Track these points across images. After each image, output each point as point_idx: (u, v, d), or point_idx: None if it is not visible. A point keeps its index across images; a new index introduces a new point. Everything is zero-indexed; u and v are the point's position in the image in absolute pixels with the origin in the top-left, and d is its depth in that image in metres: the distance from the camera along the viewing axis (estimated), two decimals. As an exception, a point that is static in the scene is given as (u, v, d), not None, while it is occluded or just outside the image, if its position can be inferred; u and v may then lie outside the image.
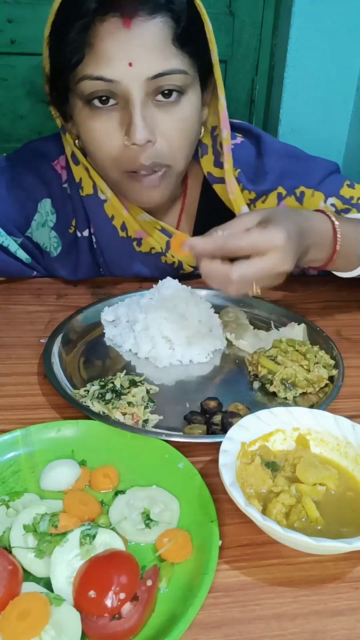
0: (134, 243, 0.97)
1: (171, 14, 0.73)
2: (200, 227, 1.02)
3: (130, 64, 0.72)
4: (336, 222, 0.76)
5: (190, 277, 1.03)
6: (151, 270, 1.01)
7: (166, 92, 0.76)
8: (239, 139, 0.97)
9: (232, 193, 0.92)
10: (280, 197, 0.94)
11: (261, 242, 0.65)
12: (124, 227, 0.95)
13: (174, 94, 0.77)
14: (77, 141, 0.88)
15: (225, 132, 0.87)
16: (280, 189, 0.93)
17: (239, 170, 0.93)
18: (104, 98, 0.76)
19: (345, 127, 2.00)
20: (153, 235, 0.96)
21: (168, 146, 0.79)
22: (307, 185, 0.94)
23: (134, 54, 0.72)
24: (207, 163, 0.93)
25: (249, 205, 0.95)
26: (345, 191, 0.95)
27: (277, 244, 0.64)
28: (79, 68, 0.75)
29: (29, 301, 0.96)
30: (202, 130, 0.89)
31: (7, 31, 1.85)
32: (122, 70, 0.73)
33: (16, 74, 1.93)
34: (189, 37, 0.75)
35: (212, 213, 1.00)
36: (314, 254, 0.75)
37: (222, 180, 0.93)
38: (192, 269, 1.02)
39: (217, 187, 0.94)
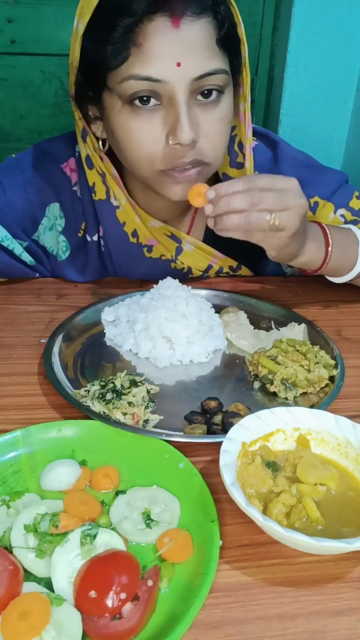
0: (144, 249, 0.97)
1: (215, 15, 0.73)
2: (212, 231, 1.01)
3: (178, 64, 0.72)
4: (327, 229, 0.83)
5: (191, 277, 1.04)
6: (159, 276, 1.00)
7: (206, 91, 0.76)
8: (254, 142, 0.97)
9: None
10: None
11: (281, 177, 0.73)
12: (135, 233, 0.95)
13: (214, 94, 0.76)
14: (100, 143, 0.86)
15: (250, 132, 0.87)
16: None
17: (255, 172, 0.93)
18: (145, 98, 0.75)
19: (345, 127, 2.01)
20: (163, 243, 0.96)
21: (209, 145, 0.79)
22: (320, 196, 0.95)
23: (182, 54, 0.71)
24: (223, 163, 0.92)
25: None
26: (355, 203, 0.97)
27: (295, 182, 0.73)
28: (123, 67, 0.73)
29: (30, 301, 0.96)
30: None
31: (7, 31, 1.86)
32: (170, 70, 0.72)
33: (16, 74, 1.93)
34: (229, 38, 0.76)
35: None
36: (309, 253, 0.80)
37: None
38: (201, 273, 1.02)
39: None
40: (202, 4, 0.71)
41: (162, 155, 0.78)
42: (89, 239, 0.98)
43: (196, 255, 0.98)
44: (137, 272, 1.01)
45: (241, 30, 0.79)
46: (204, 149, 0.79)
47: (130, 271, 1.01)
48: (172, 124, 0.75)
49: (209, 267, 1.01)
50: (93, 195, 0.92)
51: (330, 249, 0.82)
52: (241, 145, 0.90)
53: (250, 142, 0.89)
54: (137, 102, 0.75)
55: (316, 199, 0.95)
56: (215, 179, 0.98)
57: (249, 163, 0.90)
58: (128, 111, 0.76)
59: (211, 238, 1.00)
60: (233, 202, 0.71)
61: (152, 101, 0.75)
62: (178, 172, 0.79)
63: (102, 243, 0.98)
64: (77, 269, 1.01)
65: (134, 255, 0.98)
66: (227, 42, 0.76)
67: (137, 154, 0.79)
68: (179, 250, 0.97)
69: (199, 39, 0.72)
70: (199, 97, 0.76)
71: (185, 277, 1.02)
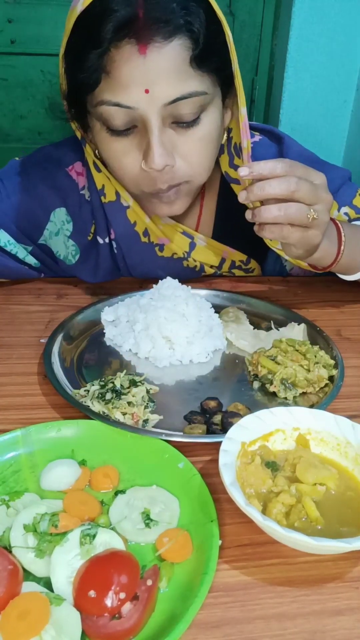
0: (156, 248, 0.97)
1: (190, 34, 0.70)
2: (220, 227, 1.02)
3: (146, 91, 0.71)
4: (340, 225, 0.81)
5: (191, 277, 1.04)
6: (173, 275, 1.00)
7: (183, 114, 0.75)
8: (258, 137, 0.96)
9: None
10: None
11: (312, 170, 0.71)
12: (146, 233, 0.95)
13: (192, 115, 0.75)
14: (96, 151, 0.87)
15: (245, 141, 0.86)
16: None
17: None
18: (120, 126, 0.75)
19: (345, 127, 2.00)
20: (175, 241, 0.96)
21: (188, 166, 0.79)
22: None
23: (149, 80, 0.70)
24: (224, 162, 0.92)
25: None
26: (358, 200, 0.97)
27: (324, 177, 0.72)
28: (96, 92, 0.74)
29: (29, 301, 0.96)
30: (225, 135, 0.88)
31: (7, 31, 1.86)
32: (139, 97, 0.71)
33: (16, 74, 1.93)
34: (208, 54, 0.73)
35: (231, 212, 1.00)
36: (323, 250, 0.78)
37: (238, 182, 0.92)
38: (213, 270, 1.02)
39: (235, 187, 0.93)
40: (172, 27, 0.69)
41: (142, 178, 0.79)
42: (100, 241, 0.97)
43: (208, 250, 0.98)
44: (151, 273, 1.01)
45: (229, 40, 0.76)
46: (181, 171, 0.79)
47: (144, 273, 1.01)
48: (145, 149, 0.75)
49: (222, 261, 1.01)
50: (103, 197, 0.92)
51: (342, 246, 0.81)
52: (237, 148, 0.89)
53: (248, 150, 0.87)
54: (114, 126, 0.75)
55: None
56: (221, 178, 0.98)
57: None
58: (106, 133, 0.77)
59: (219, 234, 1.00)
60: (269, 186, 0.66)
61: (128, 125, 0.75)
62: (160, 193, 0.80)
63: (114, 245, 0.98)
64: (88, 272, 1.00)
65: (146, 255, 0.98)
66: (207, 59, 0.73)
67: (121, 175, 0.81)
68: (192, 246, 0.97)
69: (169, 63, 0.70)
70: (178, 120, 0.75)
71: (198, 275, 1.02)
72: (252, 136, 0.96)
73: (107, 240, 0.97)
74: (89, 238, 0.97)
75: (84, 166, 0.93)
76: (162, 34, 0.69)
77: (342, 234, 0.81)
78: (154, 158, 0.73)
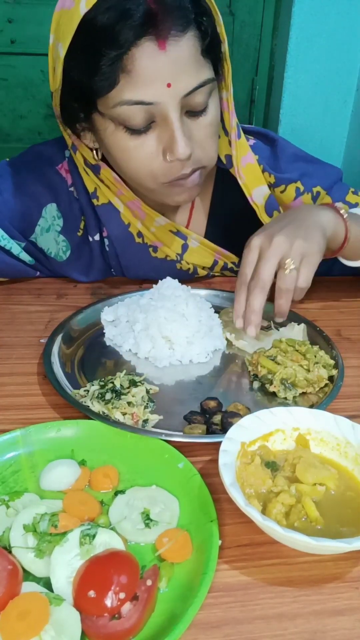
0: (150, 249, 0.98)
1: (198, 25, 0.72)
2: (214, 226, 1.02)
3: (169, 85, 0.72)
4: (344, 214, 0.83)
5: (191, 277, 1.04)
6: (165, 277, 1.01)
7: (198, 103, 0.76)
8: (252, 140, 0.97)
9: (241, 178, 0.92)
10: (298, 192, 0.95)
11: (255, 259, 0.78)
12: (140, 234, 0.96)
13: (204, 103, 0.77)
14: (94, 152, 0.86)
15: (234, 120, 0.88)
16: (299, 184, 0.95)
17: (257, 156, 0.94)
18: (140, 124, 0.75)
19: (345, 127, 2.01)
20: (167, 244, 0.96)
21: (203, 152, 0.80)
22: (322, 187, 0.96)
23: (171, 74, 0.71)
24: (222, 147, 0.92)
25: (270, 187, 0.95)
26: (351, 197, 0.98)
27: (253, 243, 0.78)
28: (113, 93, 0.73)
29: (29, 301, 0.96)
30: None
31: (7, 31, 1.86)
32: (161, 92, 0.72)
33: (16, 74, 1.93)
34: (214, 42, 0.75)
35: (226, 211, 1.00)
36: (327, 248, 0.80)
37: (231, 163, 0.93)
38: (206, 272, 1.02)
39: (234, 172, 0.94)
40: (186, 19, 0.70)
41: (162, 170, 0.79)
42: (90, 239, 0.98)
43: (201, 251, 0.99)
44: (145, 274, 1.01)
45: (220, 25, 0.78)
46: (199, 156, 0.80)
47: (138, 274, 1.02)
48: (167, 142, 0.76)
49: (215, 262, 1.01)
50: (95, 200, 0.92)
51: (348, 234, 0.83)
52: (226, 133, 0.90)
53: (234, 130, 0.89)
54: (131, 125, 0.75)
55: (318, 188, 0.96)
56: (216, 177, 0.99)
57: (235, 150, 0.90)
58: (122, 132, 0.77)
59: (213, 234, 1.01)
60: (254, 297, 0.76)
61: (147, 122, 0.75)
62: (182, 180, 0.80)
63: (106, 243, 0.98)
64: (80, 269, 1.01)
65: (140, 256, 0.98)
66: (213, 46, 0.76)
67: (137, 172, 0.81)
68: (184, 248, 0.97)
69: (186, 56, 0.72)
70: (190, 109, 0.76)
71: (191, 277, 1.02)
72: (247, 140, 0.97)
73: (97, 237, 0.98)
74: (79, 234, 0.98)
75: (69, 164, 0.94)
76: (178, 27, 0.70)
77: (347, 222, 0.82)
78: (179, 148, 0.74)
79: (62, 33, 0.74)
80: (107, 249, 0.99)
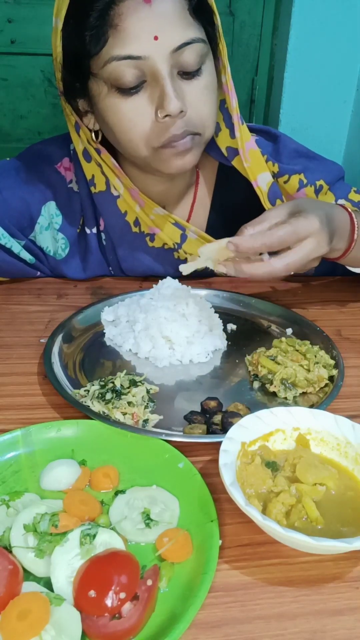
0: (147, 238, 0.98)
1: None
2: (214, 221, 1.02)
3: (156, 38, 0.73)
4: (353, 214, 0.82)
5: (192, 276, 1.04)
6: (163, 265, 1.01)
7: (189, 62, 0.77)
8: (254, 136, 0.97)
9: (247, 161, 0.92)
10: (301, 184, 0.95)
11: (301, 230, 0.72)
12: (137, 222, 0.95)
13: (195, 64, 0.78)
14: (93, 134, 0.87)
15: (234, 101, 0.88)
16: (302, 177, 0.95)
17: (259, 149, 0.94)
18: (131, 82, 0.76)
19: (345, 127, 2.01)
20: (166, 231, 0.96)
21: (197, 115, 0.80)
22: (325, 181, 0.96)
23: (157, 27, 0.73)
24: (223, 139, 0.92)
25: (273, 176, 0.95)
26: (353, 195, 0.98)
27: (314, 229, 0.72)
28: (103, 51, 0.75)
29: (29, 301, 0.96)
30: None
31: (7, 31, 1.86)
32: (149, 45, 0.73)
33: (16, 74, 1.93)
34: (201, 7, 0.77)
35: (227, 207, 1.00)
36: (335, 242, 0.79)
37: (236, 152, 0.92)
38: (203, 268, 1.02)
39: (236, 163, 0.94)
40: None
41: (154, 132, 0.79)
42: (88, 231, 0.98)
43: (199, 244, 0.99)
44: (141, 264, 1.01)
45: (211, 1, 0.79)
46: (192, 119, 0.80)
47: (134, 263, 1.01)
48: (159, 98, 0.76)
49: None
50: (93, 188, 0.93)
51: (355, 236, 0.81)
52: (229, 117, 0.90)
53: (237, 111, 0.89)
54: (123, 83, 0.76)
55: (321, 182, 0.96)
56: (217, 172, 0.98)
57: (239, 132, 0.90)
58: (115, 94, 0.78)
59: (213, 229, 1.01)
60: (255, 274, 0.72)
61: (138, 80, 0.76)
62: (174, 142, 0.80)
63: (103, 237, 0.99)
64: (77, 265, 1.01)
65: (137, 246, 0.98)
66: (200, 11, 0.77)
67: (130, 135, 0.81)
68: (183, 238, 0.97)
69: (172, 10, 0.74)
70: (183, 69, 0.77)
71: None
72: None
73: (94, 230, 0.98)
74: (78, 230, 0.98)
75: (72, 161, 0.95)
76: None
77: (355, 223, 0.81)
78: (169, 103, 0.75)
79: (59, 9, 0.77)
80: (105, 243, 0.99)
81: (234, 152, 0.92)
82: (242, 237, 0.71)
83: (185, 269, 0.80)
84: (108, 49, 0.75)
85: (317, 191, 0.96)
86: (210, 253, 0.76)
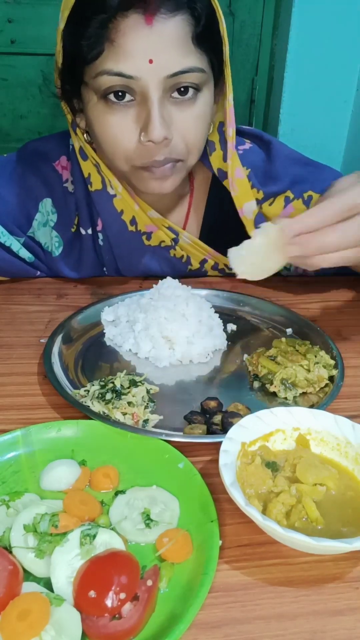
0: (144, 237, 0.98)
1: (192, 12, 0.73)
2: (208, 227, 1.02)
3: (150, 61, 0.72)
4: None
5: (190, 276, 1.04)
6: (160, 264, 1.01)
7: (182, 89, 0.76)
8: (248, 144, 0.97)
9: (234, 190, 0.92)
10: (287, 200, 0.94)
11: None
12: (133, 221, 0.95)
13: (191, 91, 0.77)
14: (85, 135, 0.87)
15: (231, 130, 0.87)
16: (289, 193, 0.94)
17: (249, 170, 0.94)
18: (120, 93, 0.75)
19: (345, 127, 2.01)
20: (161, 227, 0.96)
21: (183, 142, 0.80)
22: (315, 191, 0.95)
23: (154, 50, 0.72)
24: (216, 159, 0.93)
25: (257, 202, 0.95)
26: None
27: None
28: (98, 62, 0.74)
29: (29, 301, 0.96)
30: (211, 127, 0.89)
31: (7, 31, 1.86)
32: (142, 66, 0.72)
33: (16, 74, 1.93)
34: (206, 36, 0.75)
35: (220, 213, 1.00)
36: None
37: (225, 176, 0.92)
38: (199, 266, 1.02)
39: (227, 184, 0.94)
40: (177, 1, 0.71)
41: (136, 153, 0.79)
42: (82, 232, 0.98)
43: (191, 249, 0.99)
44: (138, 263, 1.01)
45: (222, 27, 0.78)
46: (177, 146, 0.79)
47: (131, 262, 1.01)
48: (144, 121, 0.76)
49: (204, 260, 1.02)
50: (89, 186, 0.92)
51: None
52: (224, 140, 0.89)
53: (232, 140, 0.89)
54: (112, 97, 0.76)
55: (310, 193, 0.95)
56: (212, 179, 0.98)
57: (230, 161, 0.90)
58: (103, 106, 0.77)
59: (208, 233, 1.01)
60: (308, 247, 0.63)
61: (127, 96, 0.75)
62: (154, 168, 0.80)
63: (99, 237, 0.99)
64: (71, 264, 1.01)
65: (134, 245, 0.98)
66: (205, 40, 0.75)
67: (113, 149, 0.81)
68: (176, 240, 0.98)
69: (173, 36, 0.72)
70: (176, 95, 0.76)
71: (185, 268, 1.02)
72: (243, 143, 0.97)
73: (89, 231, 0.98)
74: (73, 230, 0.98)
75: (69, 160, 0.94)
76: (168, 7, 0.71)
77: None
78: (154, 129, 0.74)
79: (63, 9, 0.76)
80: (101, 243, 0.99)
81: (225, 175, 0.92)
82: (291, 221, 0.64)
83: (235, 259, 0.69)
84: (102, 61, 0.74)
85: (307, 202, 0.95)
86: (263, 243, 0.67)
